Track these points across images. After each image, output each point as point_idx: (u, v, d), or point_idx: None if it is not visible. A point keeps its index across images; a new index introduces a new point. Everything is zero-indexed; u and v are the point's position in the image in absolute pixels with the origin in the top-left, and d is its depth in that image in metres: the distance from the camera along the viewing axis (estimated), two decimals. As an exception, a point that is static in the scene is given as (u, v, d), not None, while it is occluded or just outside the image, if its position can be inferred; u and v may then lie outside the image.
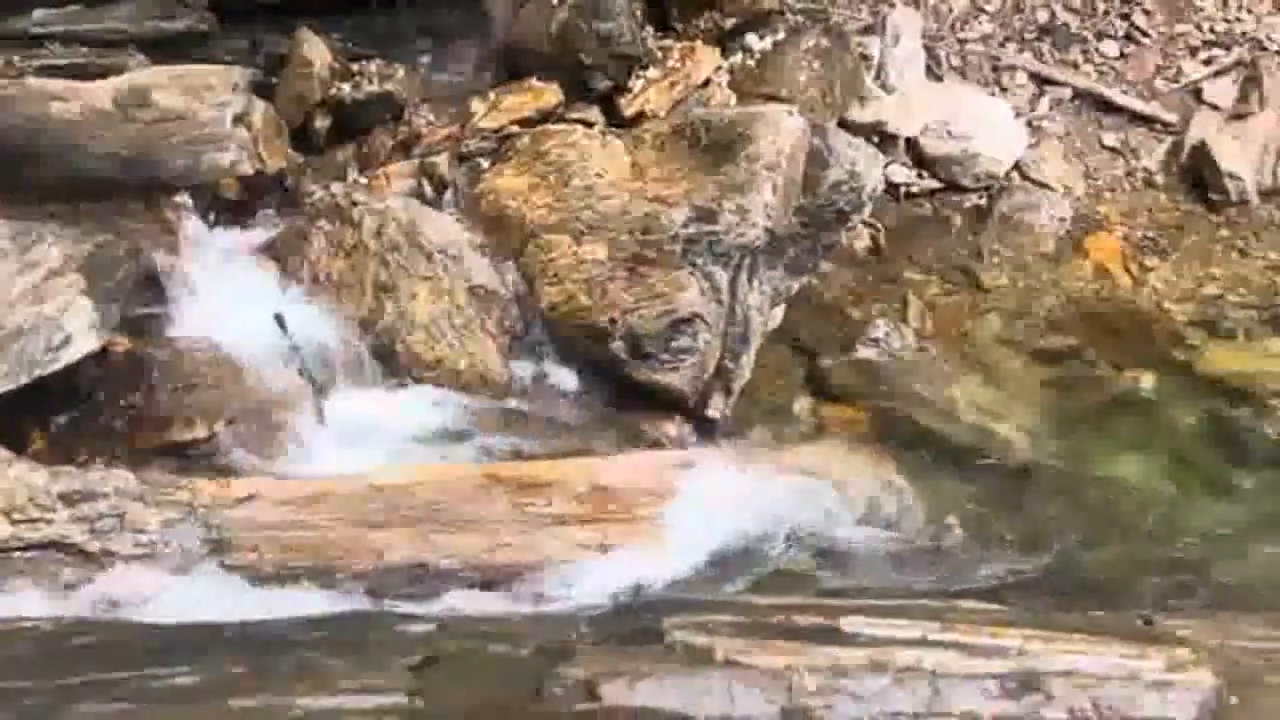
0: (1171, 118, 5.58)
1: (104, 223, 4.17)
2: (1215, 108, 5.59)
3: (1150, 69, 5.70)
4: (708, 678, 2.33)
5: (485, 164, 4.71)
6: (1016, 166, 5.40)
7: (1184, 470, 4.36)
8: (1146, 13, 5.70)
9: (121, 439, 3.89)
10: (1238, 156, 5.40)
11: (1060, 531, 4.05)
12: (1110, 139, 5.54)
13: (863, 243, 5.20)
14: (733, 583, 3.54)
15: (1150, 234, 5.28)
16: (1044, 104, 5.57)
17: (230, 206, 4.60)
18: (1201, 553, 4.01)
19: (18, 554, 3.41)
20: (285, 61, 4.80)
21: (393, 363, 4.31)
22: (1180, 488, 4.29)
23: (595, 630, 2.69)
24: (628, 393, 4.36)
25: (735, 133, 4.53)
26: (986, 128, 5.38)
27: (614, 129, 4.77)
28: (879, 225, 5.22)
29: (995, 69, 5.63)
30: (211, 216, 4.54)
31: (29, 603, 3.26)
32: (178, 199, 4.41)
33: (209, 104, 4.36)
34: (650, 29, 4.96)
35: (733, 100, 4.94)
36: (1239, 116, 5.54)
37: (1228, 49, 5.64)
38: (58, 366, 3.74)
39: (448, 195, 4.63)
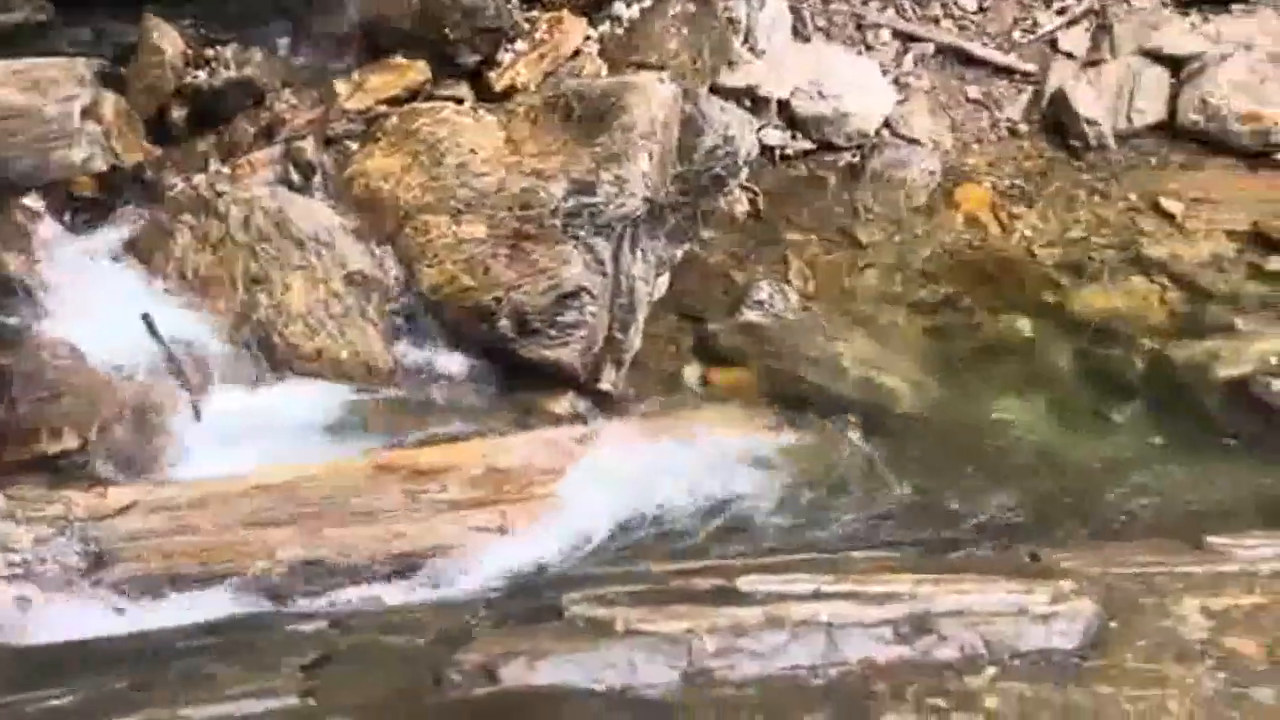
0: (1030, 68, 5.74)
1: (-53, 231, 3.96)
2: (1070, 56, 5.77)
3: (1008, 21, 5.86)
4: (608, 649, 2.33)
5: (354, 146, 4.59)
6: (886, 123, 5.49)
7: (1061, 408, 4.52)
8: (1002, -34, 5.85)
9: (-16, 455, 3.70)
10: (1094, 102, 5.59)
11: (948, 475, 4.16)
12: (974, 92, 5.68)
13: (742, 207, 5.23)
14: (632, 552, 3.55)
15: (1016, 182, 5.43)
16: (909, 60, 5.67)
17: (87, 205, 4.40)
18: (1082, 486, 4.17)
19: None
20: (134, 51, 4.60)
21: (271, 357, 4.18)
22: (1058, 425, 4.45)
23: (494, 613, 2.67)
24: (518, 371, 4.32)
25: (608, 103, 4.50)
26: (855, 87, 5.45)
27: (485, 104, 4.69)
28: (757, 189, 5.26)
29: (860, 28, 5.71)
30: (67, 217, 4.34)
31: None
32: (27, 201, 4.20)
33: (53, 99, 4.15)
34: (516, 0, 4.88)
35: (604, 70, 4.90)
36: (1093, 63, 5.74)
37: (1079, -1, 5.84)
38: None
39: (316, 180, 4.50)
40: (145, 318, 4.08)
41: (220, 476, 3.78)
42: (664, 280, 4.75)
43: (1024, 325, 4.84)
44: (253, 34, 4.72)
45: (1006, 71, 5.73)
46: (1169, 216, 5.26)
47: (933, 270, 5.09)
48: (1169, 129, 5.58)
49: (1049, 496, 4.10)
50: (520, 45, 4.84)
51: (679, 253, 4.77)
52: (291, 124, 4.61)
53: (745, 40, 5.33)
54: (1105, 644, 2.77)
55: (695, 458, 4.02)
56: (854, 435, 4.32)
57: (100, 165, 4.24)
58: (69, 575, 3.38)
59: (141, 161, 4.48)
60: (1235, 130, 5.53)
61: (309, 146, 4.54)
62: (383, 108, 4.65)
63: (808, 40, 5.60)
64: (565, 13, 4.95)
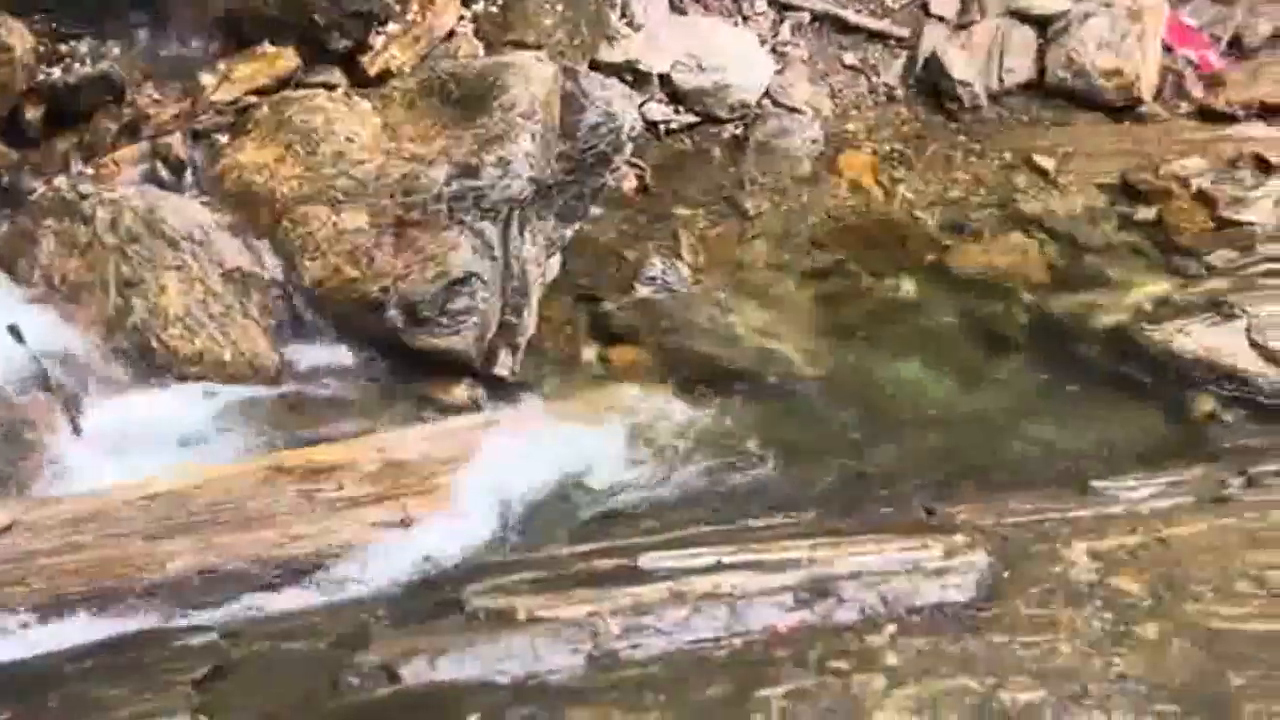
0: (904, 32, 5.83)
1: None
2: (942, 19, 5.88)
3: (881, -14, 5.94)
4: (510, 640, 2.31)
5: (224, 139, 4.45)
6: (767, 93, 5.53)
7: (949, 365, 4.62)
8: (869, -68, 5.91)
9: None
10: (966, 64, 5.71)
11: (843, 438, 4.23)
12: (850, 58, 5.75)
13: (630, 183, 5.22)
14: (534, 539, 3.52)
15: (896, 146, 5.53)
16: (785, 30, 5.71)
17: (-59, 215, 4.18)
18: (972, 440, 4.28)
19: None
20: (-21, 50, 4.36)
21: (151, 362, 4.04)
22: (947, 382, 4.56)
23: (393, 611, 2.62)
24: (411, 362, 4.25)
25: (486, 83, 4.44)
26: (734, 58, 5.47)
27: (359, 90, 4.58)
28: (643, 164, 5.25)
29: (735, -1, 5.74)
30: (-81, 228, 4.12)
31: None
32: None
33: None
34: (387, -18, 4.76)
35: (480, 50, 4.83)
36: (963, 26, 5.86)
37: (947, -38, 5.93)
38: None
39: (187, 176, 4.35)
40: (12, 329, 3.90)
41: (104, 490, 3.64)
42: (555, 261, 4.71)
43: (909, 286, 4.93)
44: (109, 27, 4.52)
45: (881, 37, 5.81)
46: (1042, 172, 5.42)
47: (820, 237, 5.15)
48: (1038, 87, 5.75)
49: (941, 452, 4.19)
50: (392, 28, 4.73)
51: (569, 233, 4.74)
52: (156, 119, 4.44)
53: (622, 15, 5.31)
54: (999, 593, 2.86)
55: (595, 438, 4.01)
56: (751, 405, 4.36)
57: (-53, 172, 4.02)
58: (-55, 605, 3.21)
59: (-4, 166, 4.27)
60: (1100, 85, 5.72)
61: (176, 142, 4.38)
62: (252, 98, 4.50)
63: (684, 13, 5.59)
64: (438, -7, 4.85)
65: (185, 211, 4.21)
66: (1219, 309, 4.66)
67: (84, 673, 2.50)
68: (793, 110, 5.51)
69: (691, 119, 5.42)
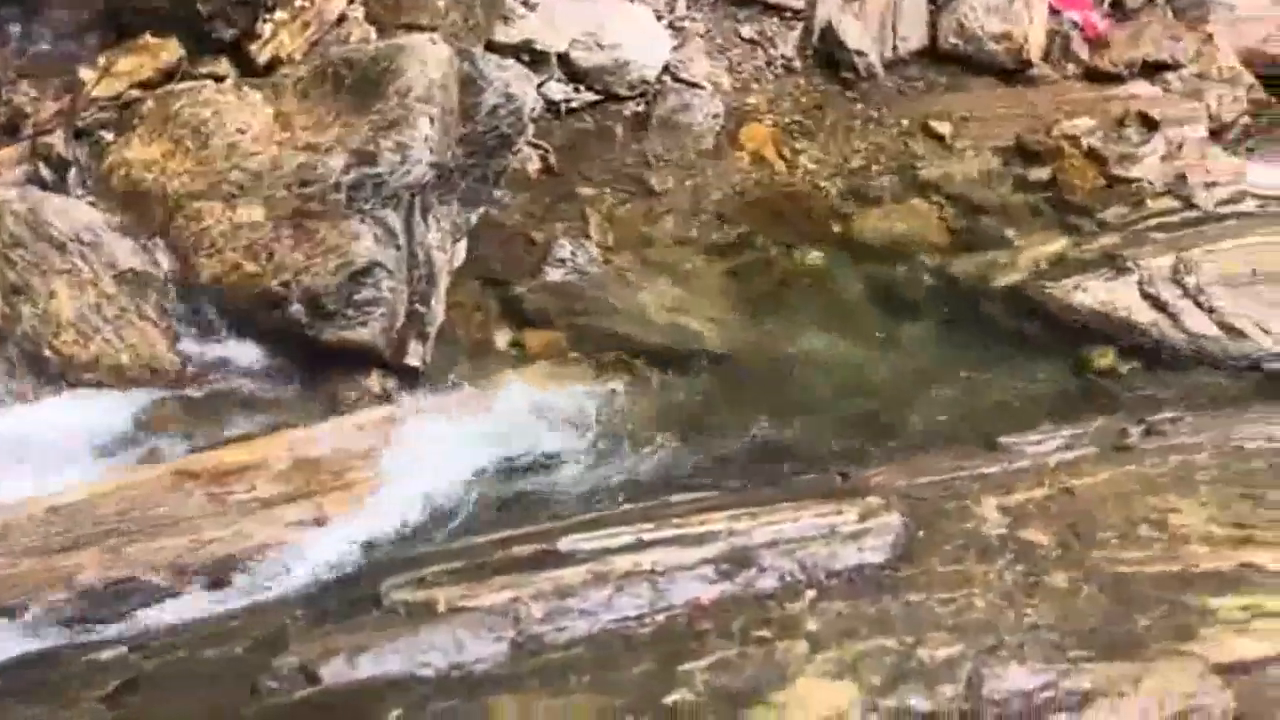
0: (799, 4, 5.87)
1: None
2: (835, -10, 5.93)
3: (774, -41, 5.96)
4: (432, 632, 2.29)
5: (109, 136, 4.28)
6: (666, 69, 5.52)
7: (857, 332, 4.70)
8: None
9: None
10: (860, 34, 5.78)
11: (758, 409, 4.27)
12: (747, 31, 5.77)
13: (534, 164, 5.17)
14: (452, 529, 3.49)
15: (796, 118, 5.58)
16: (681, 5, 5.71)
17: None
18: (883, 404, 4.36)
19: None
20: None
21: (44, 370, 3.89)
22: (856, 348, 4.63)
23: (311, 611, 2.57)
24: (319, 356, 4.16)
25: (380, 68, 4.34)
26: (632, 34, 5.45)
27: (249, 80, 4.45)
28: (546, 145, 5.21)
29: (630, -25, 5.70)
30: None
31: None
32: None
33: None
34: (271, -32, 4.63)
35: (372, 34, 4.72)
36: (856, -4, 5.92)
37: (839, -68, 5.97)
38: None
39: (71, 176, 4.18)
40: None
41: (4, 504, 3.50)
42: (462, 247, 4.65)
43: (816, 256, 5.00)
44: (-23, 23, 4.32)
45: (776, 9, 5.84)
46: (939, 138, 5.52)
47: (726, 211, 5.18)
48: (932, 54, 5.86)
49: (854, 418, 4.26)
50: (280, 14, 4.60)
51: (474, 217, 4.67)
52: (35, 118, 4.27)
53: (517, -6, 5.24)
54: (914, 553, 2.93)
55: (511, 423, 3.98)
56: (665, 381, 4.38)
57: None
58: None
59: None
60: (991, 50, 5.85)
61: (58, 140, 4.21)
62: (136, 92, 4.35)
63: (580, -10, 5.55)
64: (326, -23, 4.73)
65: (72, 213, 4.05)
66: (1113, 264, 4.81)
67: (-13, 697, 2.40)
68: (693, 85, 5.52)
69: (592, 97, 5.39)
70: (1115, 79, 5.89)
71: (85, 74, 4.35)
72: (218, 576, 3.42)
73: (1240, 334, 4.53)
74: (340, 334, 4.12)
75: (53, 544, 3.44)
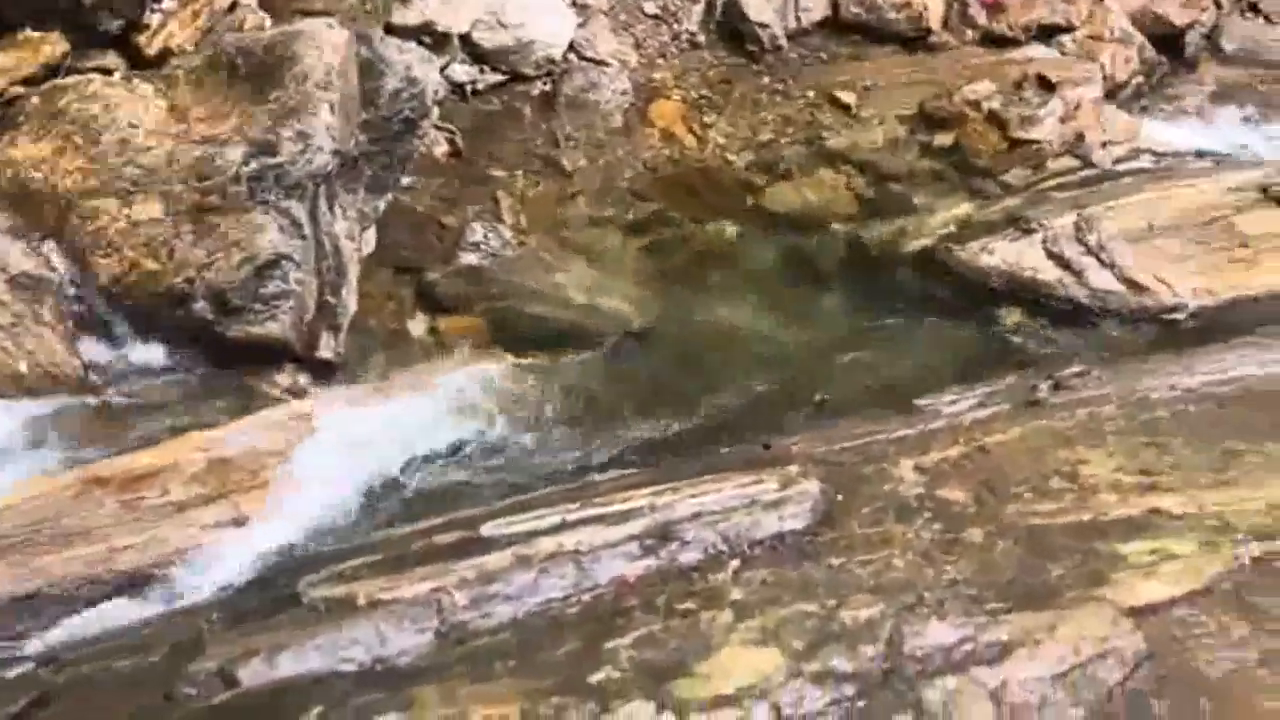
0: (702, -22, 5.87)
1: None
2: (736, -38, 5.92)
3: (674, -67, 5.94)
4: (353, 627, 2.25)
5: (-8, 136, 4.12)
6: (572, 48, 5.48)
7: (773, 303, 4.74)
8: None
9: None
10: (763, 6, 5.80)
11: (679, 384, 4.28)
12: (651, 7, 5.75)
13: (441, 148, 5.10)
14: (372, 522, 3.44)
15: (704, 93, 5.58)
16: (584, -19, 5.67)
17: None
18: (801, 374, 4.40)
19: None
20: None
21: (-64, 382, 3.73)
22: (773, 319, 4.67)
23: (229, 613, 2.52)
24: (228, 354, 4.06)
25: (276, 55, 4.23)
26: (535, 13, 5.40)
27: (139, 73, 4.30)
28: (453, 128, 5.14)
29: (529, -47, 5.63)
30: None
31: None
32: None
33: None
34: (156, -45, 4.47)
35: (266, 21, 4.60)
36: (757, -32, 5.93)
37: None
38: None
39: (-47, 179, 4.00)
40: None
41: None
42: (371, 234, 4.57)
43: (729, 230, 5.02)
44: None
45: (679, -16, 5.83)
46: (845, 107, 5.57)
47: (639, 189, 5.18)
48: (834, 24, 5.90)
49: (774, 388, 4.30)
50: (169, 4, 4.46)
51: (382, 204, 4.59)
52: (-88, 119, 4.08)
53: (415, -24, 5.15)
54: (834, 518, 2.96)
55: (429, 411, 3.94)
56: (586, 362, 4.36)
57: None
58: None
59: None
60: (892, 18, 5.91)
61: (-63, 142, 4.03)
62: (19, 89, 4.18)
63: (480, -30, 5.47)
64: (214, -37, 4.59)
65: (-44, 217, 3.89)
66: (1017, 225, 4.91)
67: (-112, 723, 2.31)
68: (599, 63, 5.49)
69: (498, 78, 5.33)
70: (1012, 43, 6.01)
71: (-37, 72, 4.17)
72: (132, 585, 3.32)
73: (1141, 288, 4.66)
74: (248, 330, 4.03)
75: (-44, 562, 3.31)
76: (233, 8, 4.59)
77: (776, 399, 4.23)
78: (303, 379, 4.14)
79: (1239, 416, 3.47)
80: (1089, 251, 4.76)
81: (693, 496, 2.83)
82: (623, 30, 5.64)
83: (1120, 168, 5.34)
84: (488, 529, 2.63)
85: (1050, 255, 4.77)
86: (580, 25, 5.52)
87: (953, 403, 3.80)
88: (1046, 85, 5.61)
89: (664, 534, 2.68)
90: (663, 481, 2.94)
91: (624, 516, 2.72)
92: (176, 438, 3.76)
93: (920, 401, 3.84)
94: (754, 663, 2.37)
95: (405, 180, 4.78)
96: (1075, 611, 2.66)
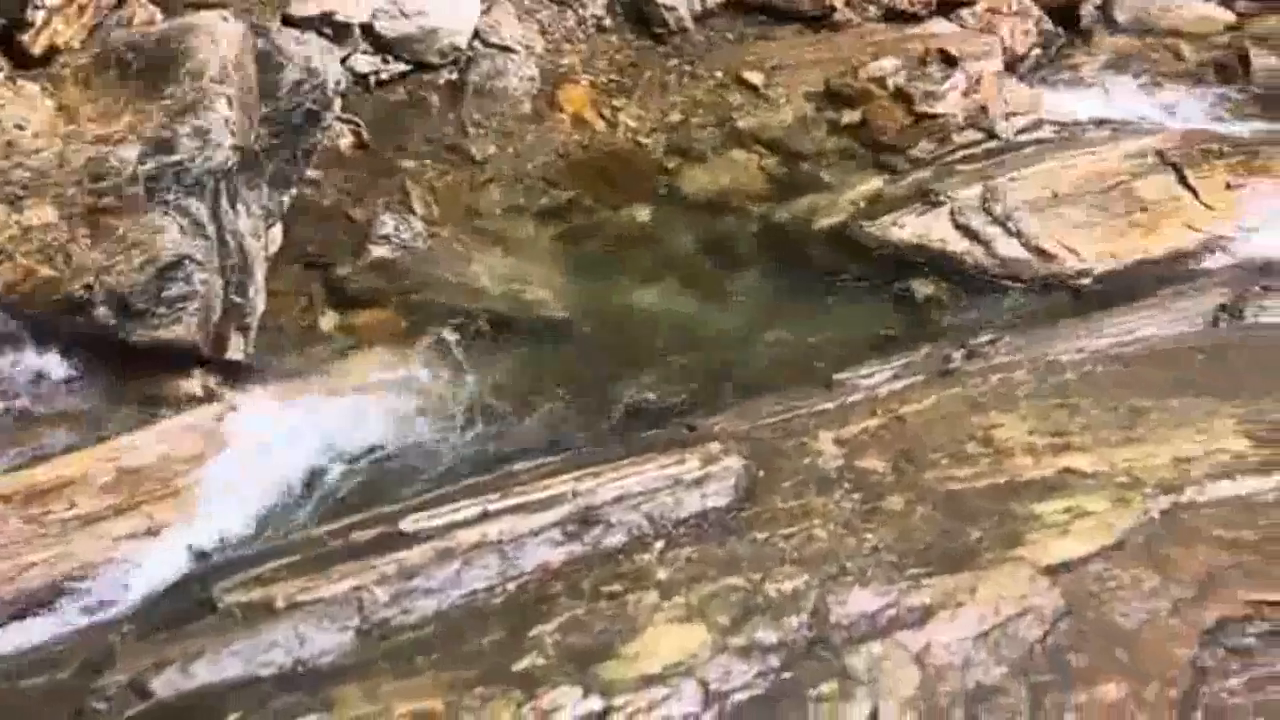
0: (604, -39, 5.83)
1: None
2: (636, -55, 5.91)
3: (575, -83, 5.90)
4: (271, 630, 2.20)
5: None
6: (477, 35, 5.42)
7: (690, 285, 4.75)
8: None
9: None
10: (669, -12, 5.79)
11: (601, 369, 4.27)
12: (555, -9, 5.71)
13: (346, 140, 5.01)
14: (289, 523, 3.37)
15: (612, 77, 5.56)
16: (485, -33, 5.60)
17: None
18: (721, 354, 4.42)
19: None
20: None
21: None
22: (691, 301, 4.68)
23: (141, 624, 2.44)
24: (133, 360, 3.93)
25: (169, 50, 4.11)
26: (438, 1, 5.31)
27: (23, 73, 4.14)
28: (358, 119, 5.05)
29: (427, -61, 5.54)
30: None
31: None
32: None
33: None
34: (36, -49, 4.29)
35: (157, 15, 4.46)
36: (659, -50, 5.92)
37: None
38: None
39: None
40: None
41: None
42: (277, 231, 4.47)
43: (644, 214, 5.02)
44: None
45: (581, -32, 5.80)
46: (753, 88, 5.60)
47: (551, 175, 5.14)
48: (739, 4, 5.92)
49: (695, 369, 4.31)
50: (53, 0, 4.29)
51: (287, 199, 4.50)
52: None
53: (311, -35, 5.03)
54: (756, 493, 2.98)
55: (344, 409, 3.87)
56: (505, 351, 4.32)
57: None
58: None
59: None
60: (796, -3, 5.95)
61: None
62: (-105, 93, 3.99)
63: (379, -42, 5.37)
64: (99, -43, 4.43)
65: None
66: (925, 198, 4.99)
67: None
68: (505, 49, 5.43)
69: (402, 68, 5.25)
70: (914, 18, 6.09)
71: None
72: (40, 603, 3.21)
73: (1048, 255, 4.77)
74: (153, 334, 3.91)
75: None
76: (121, 3, 4.43)
77: (698, 380, 4.24)
78: (213, 382, 4.03)
79: (1144, 375, 3.57)
80: (996, 221, 4.85)
81: (615, 480, 2.83)
82: (527, 16, 5.59)
83: (1023, 139, 5.45)
84: (408, 524, 2.60)
85: (958, 227, 4.85)
86: (484, 12, 5.46)
87: (870, 376, 3.85)
88: (949, 60, 5.70)
89: (587, 519, 2.67)
90: (584, 466, 2.93)
91: (546, 504, 2.70)
92: (83, 449, 3.65)
93: (839, 376, 3.88)
94: (680, 640, 2.37)
95: (310, 174, 4.69)
96: (994, 572, 2.71)
